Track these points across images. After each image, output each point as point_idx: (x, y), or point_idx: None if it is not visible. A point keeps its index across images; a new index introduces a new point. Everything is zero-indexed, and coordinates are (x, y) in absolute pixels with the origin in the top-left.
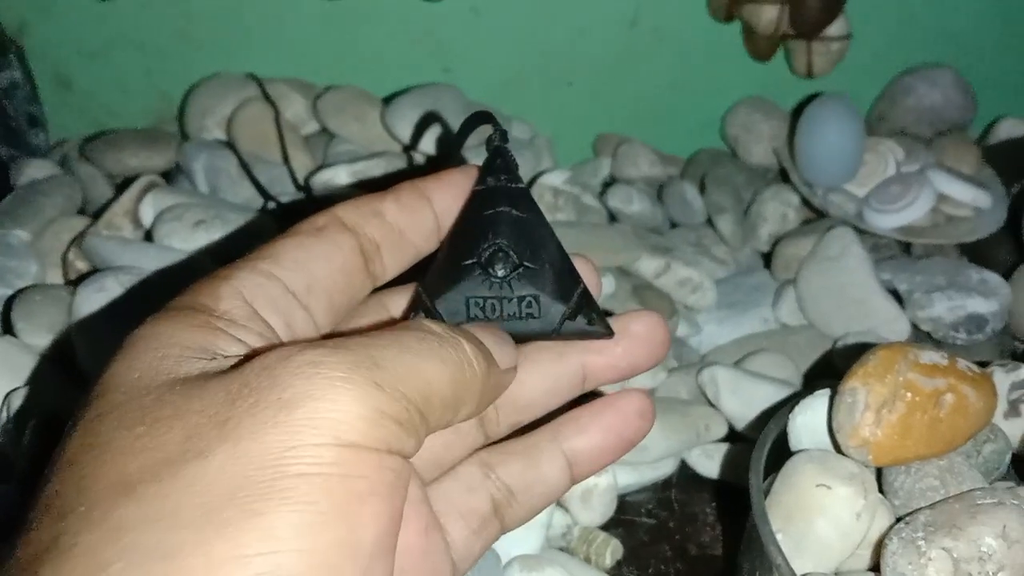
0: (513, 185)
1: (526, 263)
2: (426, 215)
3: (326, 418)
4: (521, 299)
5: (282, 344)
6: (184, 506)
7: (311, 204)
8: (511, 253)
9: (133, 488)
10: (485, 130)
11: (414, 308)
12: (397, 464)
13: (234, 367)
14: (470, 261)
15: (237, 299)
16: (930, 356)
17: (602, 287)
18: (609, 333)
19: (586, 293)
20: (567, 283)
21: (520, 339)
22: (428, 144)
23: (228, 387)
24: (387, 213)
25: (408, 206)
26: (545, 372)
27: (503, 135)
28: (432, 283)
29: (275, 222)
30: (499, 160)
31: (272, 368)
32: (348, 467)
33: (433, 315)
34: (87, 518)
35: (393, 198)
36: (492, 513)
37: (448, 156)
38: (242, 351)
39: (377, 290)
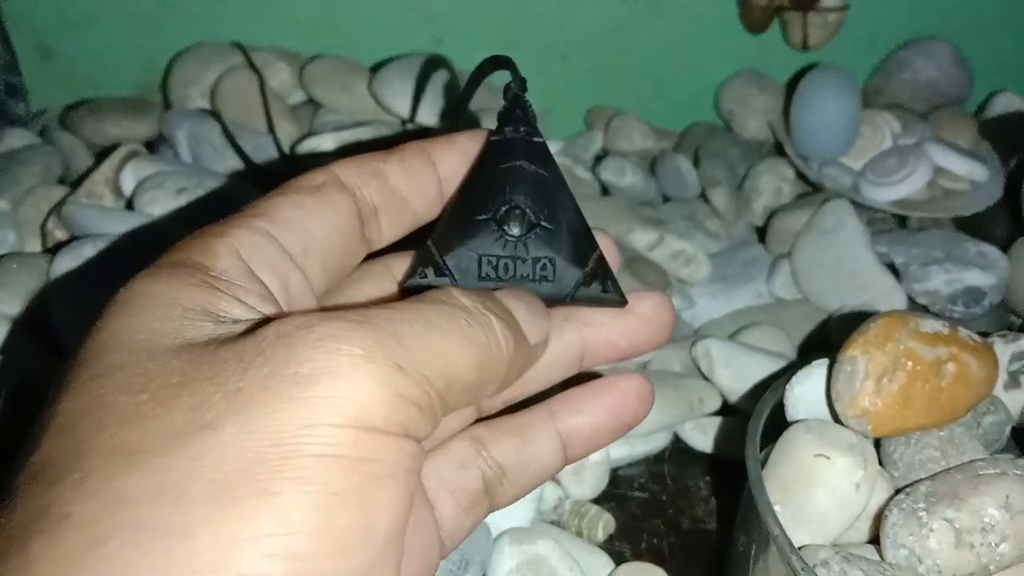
0: (532, 138)
1: (543, 223)
2: (430, 180)
3: (346, 399)
4: (536, 261)
5: (300, 313)
6: (190, 480)
7: (297, 171)
8: (528, 211)
9: (134, 458)
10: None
11: (423, 263)
12: (413, 448)
13: (245, 333)
14: (484, 217)
15: (233, 258)
16: (931, 324)
17: (618, 260)
18: (623, 301)
19: (602, 259)
20: (584, 247)
21: None
22: (424, 116)
23: (240, 355)
24: (389, 175)
25: (412, 169)
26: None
27: (522, 83)
28: (443, 237)
29: (259, 191)
30: (518, 110)
31: (290, 338)
32: (366, 450)
33: (443, 271)
34: (82, 487)
35: (397, 159)
36: (483, 491)
37: (455, 108)
38: (247, 315)
39: (378, 253)
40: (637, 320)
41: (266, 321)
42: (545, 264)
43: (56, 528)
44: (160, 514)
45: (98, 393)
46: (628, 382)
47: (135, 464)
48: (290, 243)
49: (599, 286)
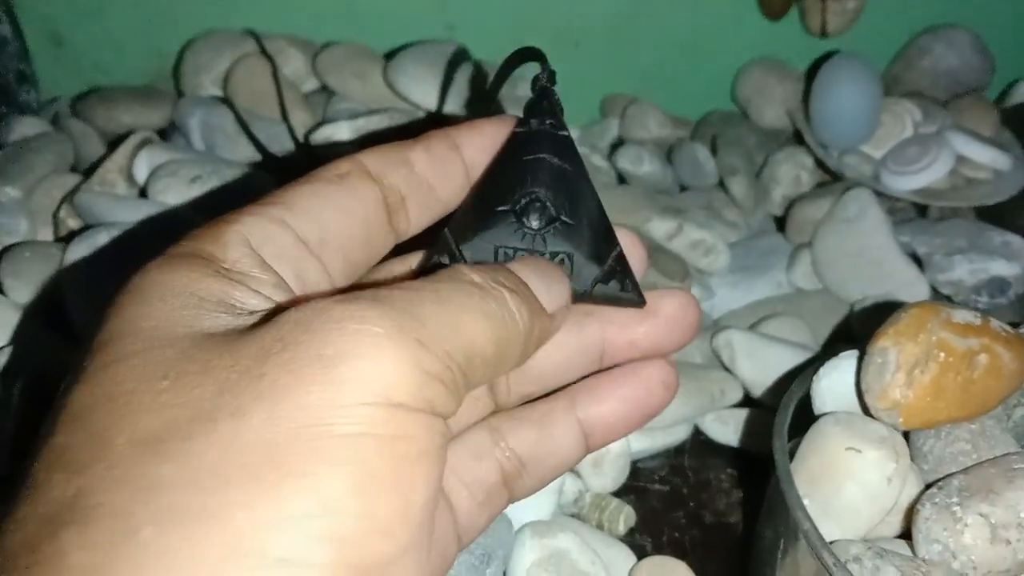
0: (558, 131)
1: (563, 217)
2: (457, 167)
3: (373, 377)
4: (554, 255)
5: (316, 298)
6: (222, 466)
7: (311, 160)
8: (548, 205)
9: (162, 446)
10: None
11: (438, 251)
12: (441, 426)
13: (262, 321)
14: (504, 208)
15: (243, 247)
16: (963, 315)
17: (645, 260)
18: (641, 302)
19: (622, 257)
20: (603, 244)
21: None
22: (444, 104)
23: (260, 342)
24: (416, 163)
25: (439, 156)
26: (562, 344)
27: (551, 75)
28: (460, 226)
29: (274, 179)
30: (545, 102)
31: (309, 323)
32: (398, 428)
33: (458, 261)
34: (109, 476)
35: (423, 147)
36: (500, 483)
37: (484, 97)
38: (263, 304)
39: (405, 245)
40: (661, 321)
41: (281, 309)
42: (563, 259)
43: (87, 518)
44: (195, 500)
45: (113, 380)
46: (651, 369)
47: (164, 452)
48: (306, 232)
49: (617, 284)
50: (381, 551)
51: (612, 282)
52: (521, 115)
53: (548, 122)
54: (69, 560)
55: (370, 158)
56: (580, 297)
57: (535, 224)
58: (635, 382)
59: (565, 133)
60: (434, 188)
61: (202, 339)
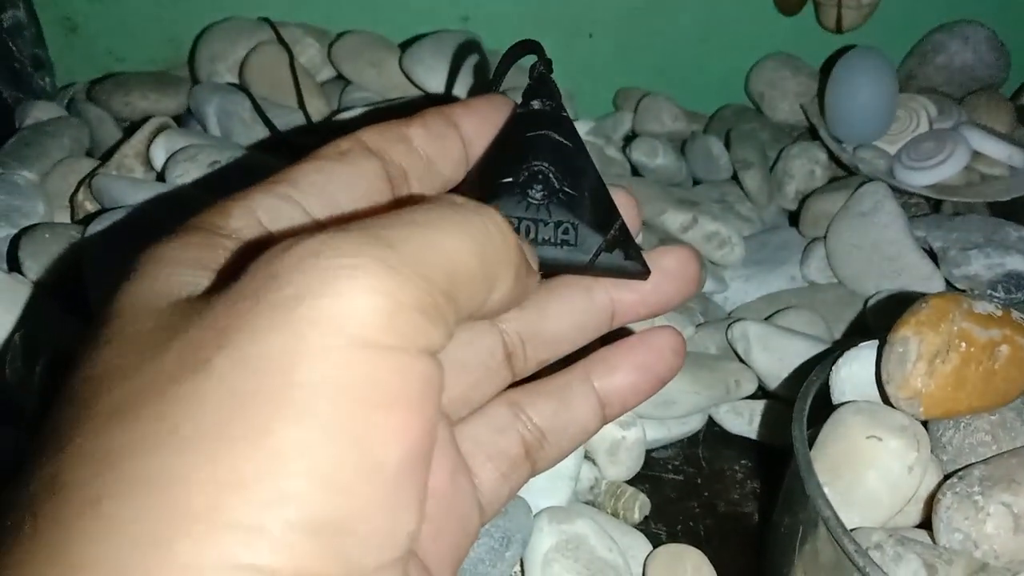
0: (558, 112)
1: (566, 188)
2: (455, 143)
3: (332, 314)
4: (558, 224)
5: (283, 238)
6: (183, 426)
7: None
8: (551, 176)
9: (126, 414)
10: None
11: None
12: (424, 365)
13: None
14: (507, 180)
15: (250, 217)
16: (984, 306)
17: (641, 227)
18: (645, 272)
19: (624, 228)
20: (606, 215)
21: (552, 268)
22: (459, 93)
23: (227, 293)
24: (414, 139)
25: (436, 132)
26: (573, 306)
27: (549, 64)
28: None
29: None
30: (543, 87)
31: (270, 264)
32: (361, 370)
33: None
34: (80, 450)
35: (420, 123)
36: (523, 456)
37: (486, 89)
38: None
39: None
40: (664, 275)
41: (251, 251)
42: (567, 228)
43: (58, 494)
44: (151, 465)
45: (99, 359)
46: (661, 335)
47: (127, 418)
48: (314, 207)
49: (621, 253)
50: (338, 510)
51: (616, 251)
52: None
53: (547, 103)
54: (42, 539)
55: (369, 135)
56: (585, 268)
57: (539, 194)
58: (646, 350)
59: (565, 114)
60: (434, 162)
61: (183, 305)
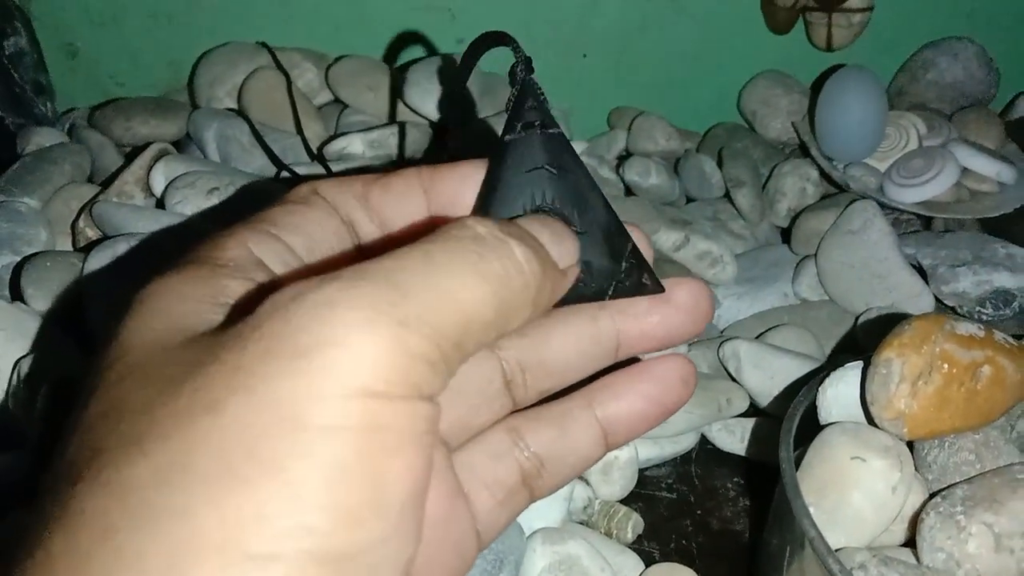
0: (549, 131)
1: (574, 229)
2: (416, 207)
3: (348, 366)
4: None
5: (294, 278)
6: (195, 462)
7: (327, 173)
8: (557, 220)
9: (141, 447)
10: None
11: None
12: (426, 410)
13: (246, 312)
14: None
15: (242, 249)
16: (966, 327)
17: (652, 251)
18: (660, 289)
19: (636, 251)
20: (618, 243)
21: (569, 302)
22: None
23: (239, 334)
24: (370, 196)
25: (396, 192)
26: (579, 335)
27: (528, 62)
28: None
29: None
30: (530, 99)
31: (284, 309)
32: (375, 418)
33: None
34: (96, 480)
35: (381, 183)
36: (520, 483)
37: (453, 88)
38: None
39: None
40: (674, 309)
41: (264, 292)
42: (582, 269)
43: (73, 523)
44: (165, 499)
45: (114, 395)
46: (669, 365)
47: (143, 452)
48: (295, 243)
49: (636, 278)
50: (351, 541)
51: (631, 278)
52: (506, 112)
53: (536, 123)
54: (56, 564)
55: (325, 186)
56: (604, 297)
57: None
58: (654, 378)
59: (556, 131)
60: (388, 222)
61: (192, 340)
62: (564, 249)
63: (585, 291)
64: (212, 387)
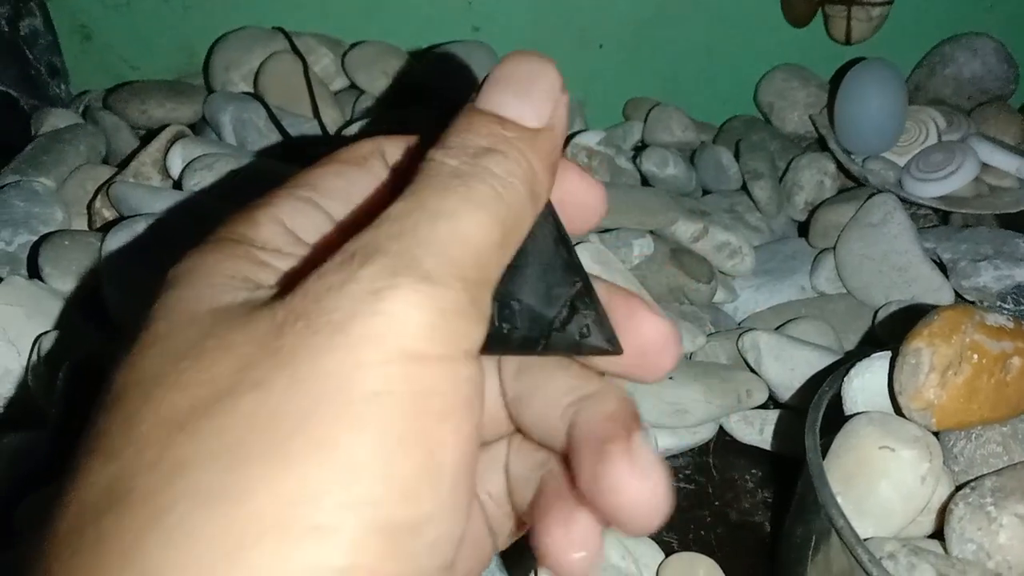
0: None
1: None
2: None
3: (385, 332)
4: (497, 304)
5: (318, 263)
6: (245, 441)
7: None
8: None
9: (185, 424)
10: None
11: None
12: (471, 371)
13: (277, 295)
14: None
15: (276, 225)
16: (996, 318)
17: (603, 204)
18: (612, 349)
19: (583, 294)
20: (558, 281)
21: (493, 352)
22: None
23: (273, 316)
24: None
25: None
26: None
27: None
28: None
29: None
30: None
31: (314, 291)
32: (419, 382)
33: None
34: (139, 459)
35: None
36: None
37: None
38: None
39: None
40: (637, 353)
41: (292, 280)
42: (508, 309)
43: (121, 502)
44: (219, 478)
45: (143, 364)
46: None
47: (188, 431)
48: (336, 210)
49: (575, 329)
50: (410, 513)
51: (570, 326)
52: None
53: None
54: (108, 545)
55: (389, 146)
56: (537, 349)
57: None
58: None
59: None
60: None
61: (223, 316)
62: (536, 98)
63: (510, 337)
64: (255, 366)
